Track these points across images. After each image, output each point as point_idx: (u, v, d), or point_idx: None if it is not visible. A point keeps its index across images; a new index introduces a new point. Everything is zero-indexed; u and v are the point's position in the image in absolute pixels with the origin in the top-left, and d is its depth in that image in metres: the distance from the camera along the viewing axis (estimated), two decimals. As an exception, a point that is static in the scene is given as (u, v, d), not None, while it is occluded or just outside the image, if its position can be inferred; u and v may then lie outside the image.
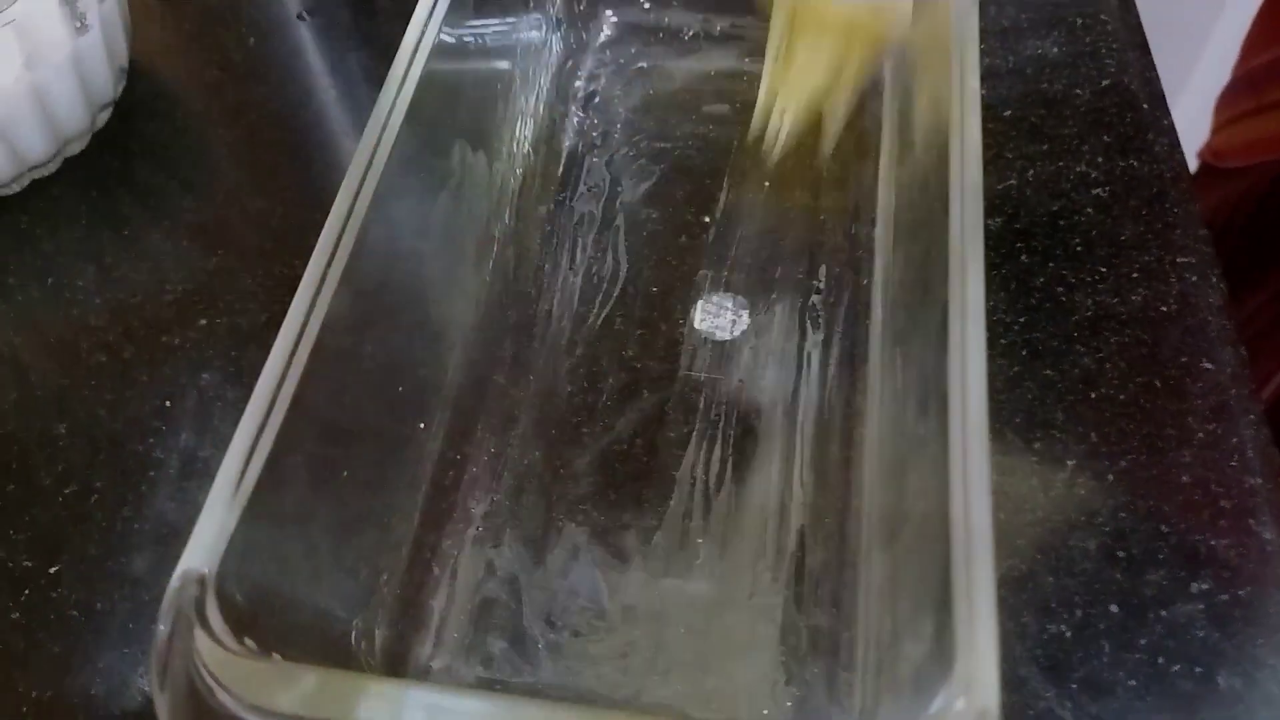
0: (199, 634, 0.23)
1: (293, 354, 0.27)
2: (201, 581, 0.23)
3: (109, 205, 0.44)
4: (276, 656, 0.24)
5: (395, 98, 0.33)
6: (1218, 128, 0.66)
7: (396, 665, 0.30)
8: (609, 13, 0.47)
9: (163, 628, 0.23)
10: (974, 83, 0.32)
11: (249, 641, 0.23)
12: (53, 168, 0.45)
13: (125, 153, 0.46)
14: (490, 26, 0.40)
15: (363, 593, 0.30)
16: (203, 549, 0.24)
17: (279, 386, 0.27)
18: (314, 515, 0.28)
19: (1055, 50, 0.46)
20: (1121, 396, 0.36)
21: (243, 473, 0.25)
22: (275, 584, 0.26)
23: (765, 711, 0.30)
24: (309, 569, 0.28)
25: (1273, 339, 0.59)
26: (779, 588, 0.32)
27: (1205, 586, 0.32)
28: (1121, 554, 0.32)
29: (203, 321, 0.40)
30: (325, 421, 0.28)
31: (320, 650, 0.27)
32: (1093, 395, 0.36)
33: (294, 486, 0.27)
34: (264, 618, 0.25)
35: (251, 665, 0.23)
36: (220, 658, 0.23)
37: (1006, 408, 0.35)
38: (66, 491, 0.36)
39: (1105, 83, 0.45)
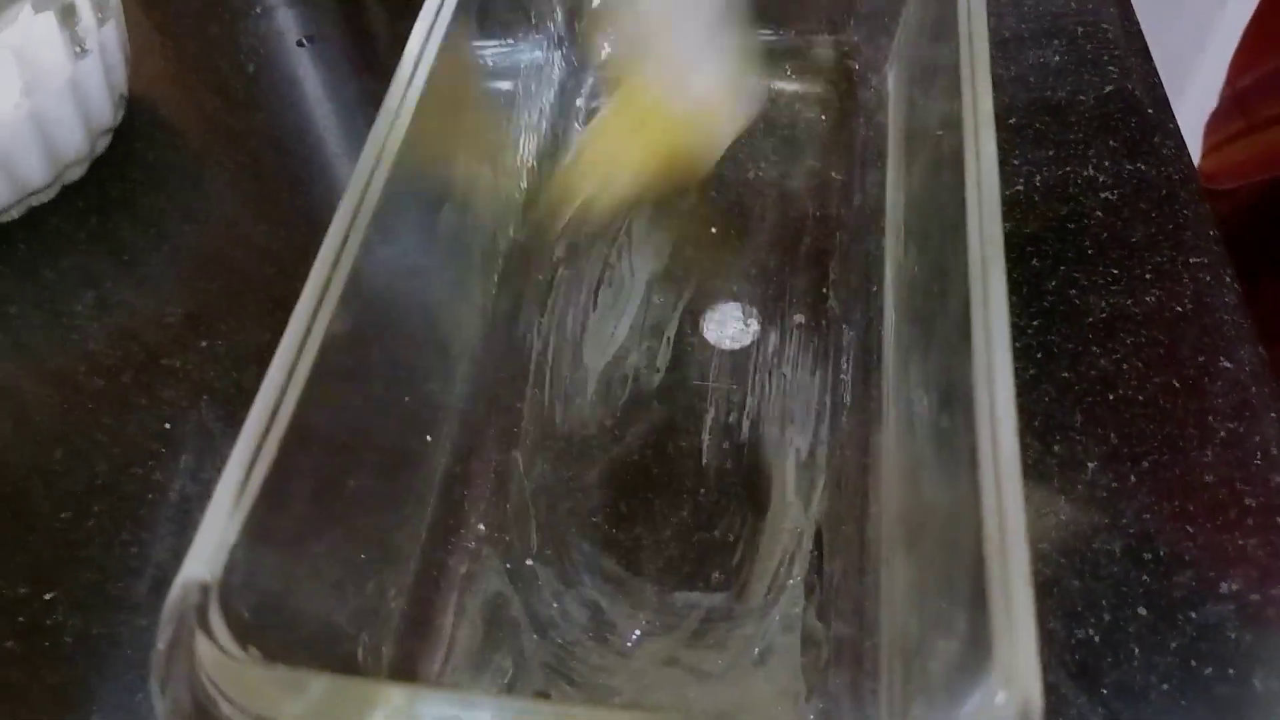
0: (202, 642, 0.22)
1: (295, 363, 0.26)
2: (204, 589, 0.22)
3: (108, 231, 0.43)
4: (281, 665, 0.22)
5: (396, 113, 0.32)
6: (1207, 151, 0.65)
7: (404, 681, 0.29)
8: (610, 31, 0.46)
9: (164, 635, 0.22)
10: (986, 83, 0.32)
11: (253, 650, 0.22)
12: (51, 194, 0.44)
13: (124, 180, 0.45)
14: (491, 46, 0.39)
15: (369, 608, 0.29)
16: (205, 557, 0.23)
17: (281, 397, 0.26)
18: (319, 527, 0.27)
19: (1057, 58, 0.45)
20: (1140, 397, 0.35)
21: (245, 482, 0.24)
22: (280, 596, 0.25)
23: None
24: (314, 582, 0.27)
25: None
26: (798, 597, 0.31)
27: (1235, 586, 0.31)
28: (1148, 556, 0.31)
29: (203, 344, 0.39)
30: (329, 433, 0.27)
31: (326, 664, 0.26)
32: (1111, 397, 0.35)
33: (298, 497, 0.25)
34: (268, 629, 0.23)
35: (256, 673, 0.22)
36: (224, 666, 0.21)
37: (1024, 411, 0.34)
38: (63, 517, 0.35)
39: (1109, 89, 0.44)
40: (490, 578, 0.32)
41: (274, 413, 0.25)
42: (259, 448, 0.25)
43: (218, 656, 0.22)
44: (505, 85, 0.40)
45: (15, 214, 0.43)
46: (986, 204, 0.29)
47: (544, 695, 0.30)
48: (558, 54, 0.45)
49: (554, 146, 0.43)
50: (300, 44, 0.50)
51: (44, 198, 0.44)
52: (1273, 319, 0.55)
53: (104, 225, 0.44)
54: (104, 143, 0.45)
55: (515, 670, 0.30)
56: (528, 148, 0.41)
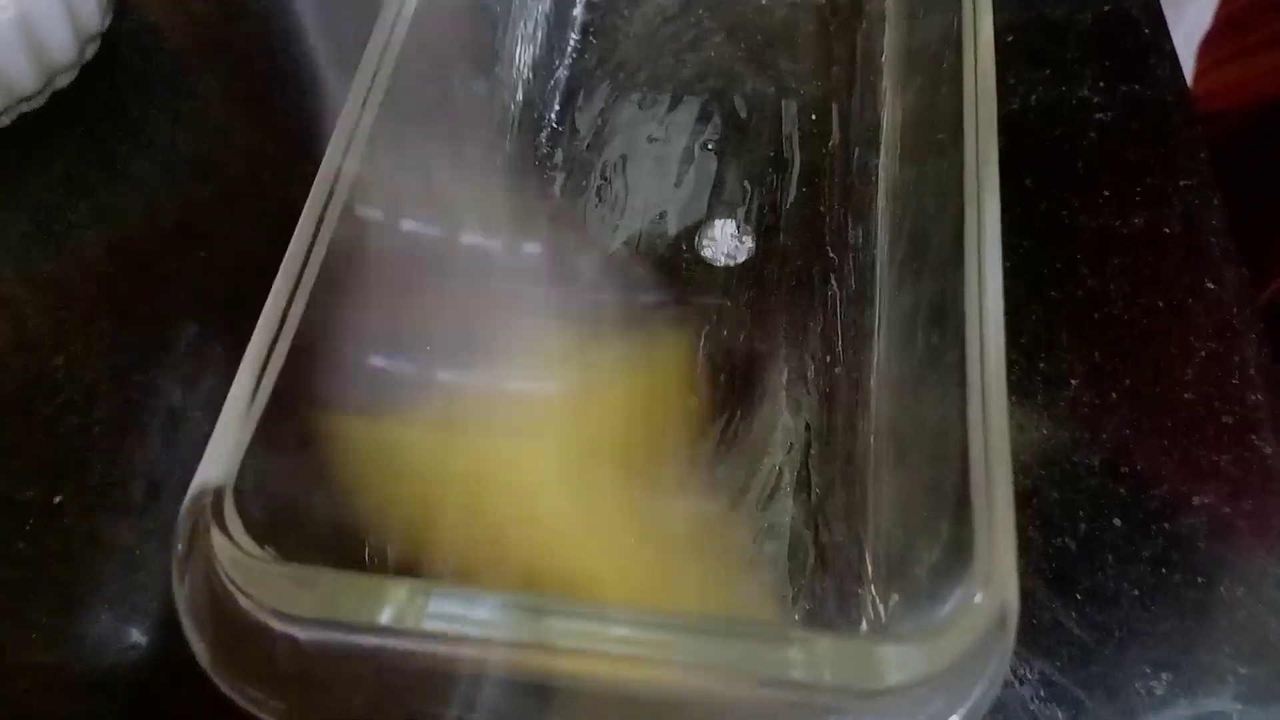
0: (219, 540, 0.23)
1: (300, 274, 0.28)
2: (219, 490, 0.24)
3: (99, 138, 0.44)
4: (295, 563, 0.24)
5: (392, 26, 0.33)
6: (1200, 73, 0.67)
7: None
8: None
9: (183, 534, 0.24)
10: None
11: (269, 549, 0.24)
12: (41, 101, 0.45)
13: (114, 86, 0.46)
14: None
15: (375, 508, 0.31)
16: (220, 460, 0.24)
17: (288, 305, 0.27)
18: (326, 430, 0.29)
19: (1056, -25, 0.46)
20: (1125, 317, 0.36)
21: (256, 387, 0.26)
22: (291, 498, 0.27)
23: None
24: (322, 483, 0.28)
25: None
26: (786, 505, 0.33)
27: (1207, 500, 0.33)
28: (1125, 469, 0.33)
29: (200, 254, 0.41)
30: (333, 340, 0.29)
31: (336, 562, 0.28)
32: (1096, 315, 0.36)
33: (305, 402, 0.27)
34: (281, 530, 0.25)
35: (271, 570, 0.24)
36: (240, 563, 0.23)
37: (1012, 329, 0.36)
38: (67, 423, 0.37)
39: (1107, 7, 0.45)
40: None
41: (282, 320, 0.27)
42: (269, 354, 0.26)
43: (235, 554, 0.23)
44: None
45: (6, 120, 0.44)
46: (983, 123, 0.30)
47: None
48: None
49: (548, 58, 0.44)
50: (289, -53, 0.51)
51: (34, 105, 0.45)
52: (1259, 243, 0.57)
53: (95, 133, 0.45)
54: (93, 49, 0.46)
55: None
56: (523, 58, 0.42)
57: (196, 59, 0.47)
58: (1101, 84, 0.43)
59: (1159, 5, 0.45)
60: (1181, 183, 0.40)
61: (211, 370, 0.38)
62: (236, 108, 0.45)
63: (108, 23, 0.46)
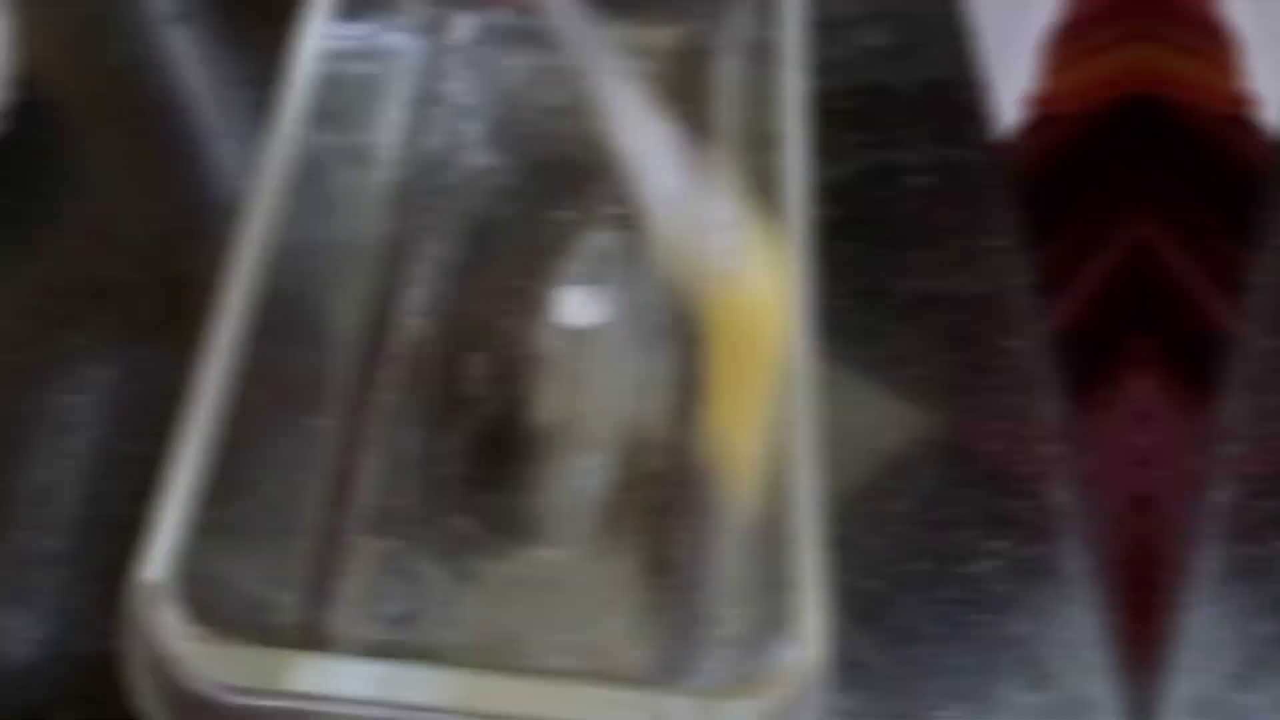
0: (161, 625, 0.29)
1: (221, 373, 0.33)
2: (160, 587, 0.30)
3: (4, 210, 0.48)
4: (224, 639, 0.30)
5: (290, 119, 0.38)
6: (1042, 74, 0.73)
7: (311, 635, 0.37)
8: (465, 15, 0.52)
9: (131, 621, 0.29)
10: (797, 74, 0.39)
11: (201, 626, 0.30)
12: (-65, 171, 0.48)
13: (11, 157, 0.49)
14: (355, 35, 0.45)
15: (281, 574, 0.36)
16: (160, 559, 0.30)
17: (212, 403, 0.33)
18: (243, 513, 0.34)
19: (884, 41, 0.52)
20: (933, 374, 0.43)
21: (187, 488, 0.31)
22: (214, 576, 0.32)
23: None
24: (239, 559, 0.34)
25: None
26: (641, 549, 0.39)
27: (1002, 544, 0.39)
28: (930, 517, 0.40)
29: (99, 320, 0.45)
30: (246, 428, 0.34)
31: (253, 626, 0.33)
32: (909, 374, 0.43)
33: (228, 491, 0.32)
34: (209, 606, 0.30)
35: (204, 648, 0.29)
36: (179, 643, 0.29)
37: (831, 387, 0.42)
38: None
39: (931, 73, 0.51)
40: (377, 542, 0.39)
41: (207, 425, 0.32)
42: (197, 456, 0.32)
43: (174, 635, 0.29)
44: (368, 70, 0.47)
45: (-100, 192, 0.48)
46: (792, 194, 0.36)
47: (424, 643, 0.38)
48: (415, 39, 0.50)
49: (417, 136, 0.48)
50: (173, 21, 0.55)
51: (-70, 175, 0.48)
52: (1084, 246, 0.63)
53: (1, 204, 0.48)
54: (-5, 125, 0.50)
55: (402, 621, 0.38)
56: (391, 137, 0.47)
57: (91, 131, 0.51)
58: (922, 147, 0.49)
59: (979, 69, 0.51)
60: (992, 244, 0.46)
61: (115, 435, 0.42)
62: (131, 179, 0.49)
63: (4, 100, 0.50)
